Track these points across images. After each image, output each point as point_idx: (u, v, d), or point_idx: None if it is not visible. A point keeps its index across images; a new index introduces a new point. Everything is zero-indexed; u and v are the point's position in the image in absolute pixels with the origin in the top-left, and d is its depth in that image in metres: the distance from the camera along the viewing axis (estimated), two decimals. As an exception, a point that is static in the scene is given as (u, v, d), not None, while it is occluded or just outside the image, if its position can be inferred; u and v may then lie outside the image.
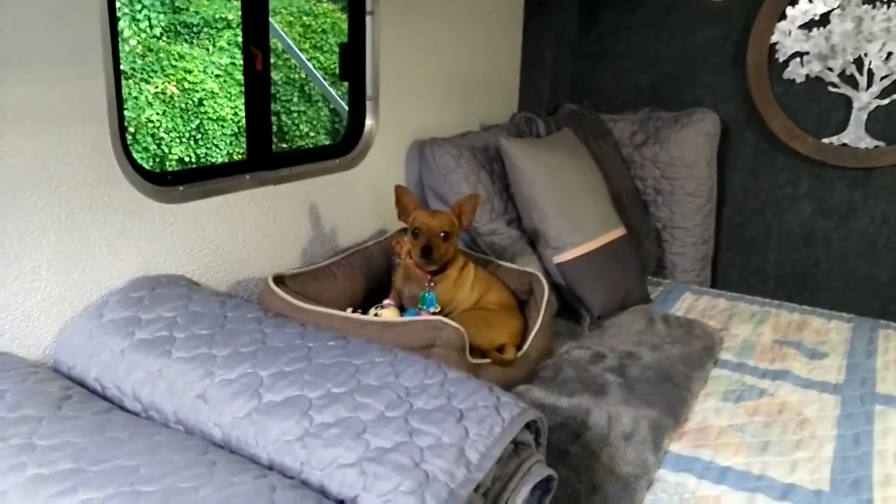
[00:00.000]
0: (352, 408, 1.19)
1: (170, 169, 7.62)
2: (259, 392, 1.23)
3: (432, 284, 1.86)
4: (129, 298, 1.49)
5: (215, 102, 10.01)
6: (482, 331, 1.86)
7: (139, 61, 9.26)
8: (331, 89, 6.77)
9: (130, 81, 9.12)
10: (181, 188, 1.67)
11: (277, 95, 9.80)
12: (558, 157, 2.39)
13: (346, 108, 2.25)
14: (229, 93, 10.27)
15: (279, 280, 1.78)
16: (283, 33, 6.67)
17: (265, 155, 1.90)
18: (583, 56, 3.14)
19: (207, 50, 10.31)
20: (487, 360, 1.76)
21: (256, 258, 1.89)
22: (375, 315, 1.84)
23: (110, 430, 1.14)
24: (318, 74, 7.14)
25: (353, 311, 1.84)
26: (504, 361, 1.78)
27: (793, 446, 1.68)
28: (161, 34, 9.81)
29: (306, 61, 6.58)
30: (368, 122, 2.19)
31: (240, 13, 1.73)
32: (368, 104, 2.18)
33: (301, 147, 8.09)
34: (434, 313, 1.85)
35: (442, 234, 1.82)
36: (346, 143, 2.18)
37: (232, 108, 10.10)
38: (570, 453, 1.57)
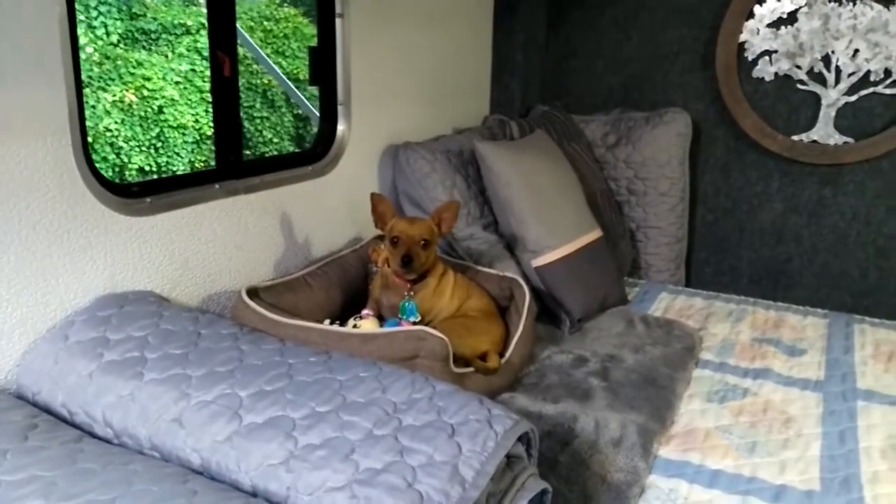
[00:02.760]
0: (338, 427, 1.13)
1: (130, 179, 7.45)
2: (239, 413, 1.18)
3: (412, 293, 1.82)
4: (95, 318, 1.41)
5: (175, 110, 9.82)
6: (464, 339, 1.81)
7: (96, 69, 9.05)
8: (300, 94, 6.64)
9: (87, 90, 8.90)
10: (148, 200, 1.60)
11: (240, 102, 9.61)
12: (533, 159, 2.36)
13: (317, 113, 2.19)
14: (189, 100, 10.10)
15: (253, 293, 1.72)
16: (249, 38, 6.54)
17: (235, 163, 1.83)
18: (553, 57, 3.13)
19: (166, 56, 10.11)
20: (471, 369, 1.72)
21: (228, 271, 1.82)
22: (354, 326, 1.79)
23: (81, 461, 1.07)
24: (289, 82, 7.02)
25: (331, 323, 1.79)
26: (488, 370, 1.74)
27: (780, 446, 1.67)
28: (118, 41, 9.60)
29: (274, 66, 6.46)
30: (340, 127, 2.14)
31: (199, 19, 1.67)
32: (340, 109, 2.13)
33: (265, 154, 7.97)
34: (415, 322, 1.80)
35: (422, 243, 1.77)
36: (317, 149, 2.12)
37: (193, 115, 9.93)
38: (559, 462, 1.54)
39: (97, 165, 1.50)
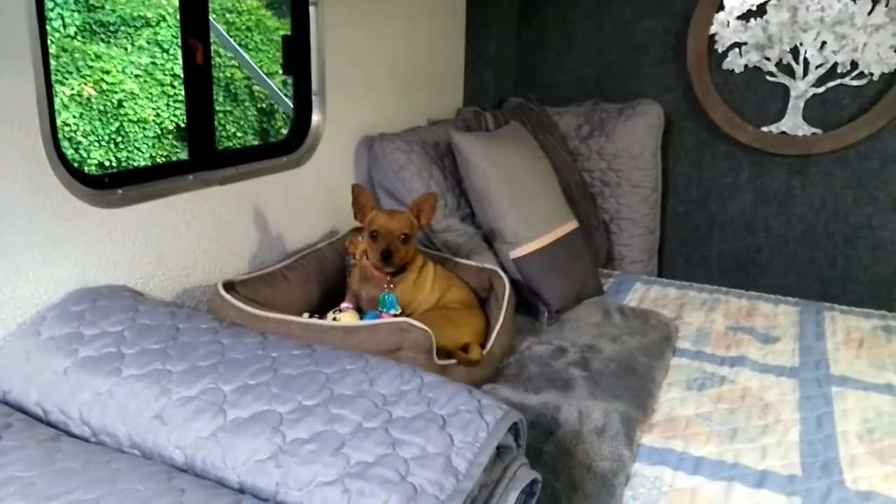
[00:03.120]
0: (327, 420, 1.11)
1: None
2: (223, 409, 1.14)
3: (391, 286, 1.79)
4: (68, 313, 1.36)
5: (136, 104, 9.61)
6: (445, 331, 1.80)
7: (53, 62, 8.81)
8: (272, 83, 6.45)
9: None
10: (120, 191, 1.55)
11: (170, 93, 9.46)
12: (509, 151, 2.35)
13: (290, 103, 2.15)
14: (150, 94, 9.89)
15: (229, 287, 1.68)
16: (218, 27, 6.36)
17: (209, 154, 1.79)
18: (526, 49, 3.12)
19: (126, 49, 9.89)
20: (453, 361, 1.71)
21: (203, 264, 1.78)
22: (334, 320, 1.76)
23: (61, 460, 1.03)
24: (260, 71, 6.79)
25: (310, 317, 1.76)
26: (470, 361, 1.73)
27: (760, 432, 1.68)
28: (76, 33, 9.37)
29: (245, 55, 6.25)
30: (315, 117, 2.10)
31: (159, 10, 1.62)
32: (315, 99, 2.09)
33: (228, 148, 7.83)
34: (395, 315, 1.78)
35: (402, 237, 1.75)
36: (292, 140, 2.08)
37: (154, 109, 9.73)
38: (544, 452, 1.53)
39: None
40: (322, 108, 2.11)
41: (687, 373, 1.97)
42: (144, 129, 9.23)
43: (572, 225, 2.43)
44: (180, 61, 1.71)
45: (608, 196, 2.89)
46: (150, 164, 7.77)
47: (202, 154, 1.77)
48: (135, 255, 1.59)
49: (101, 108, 9.24)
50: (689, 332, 2.24)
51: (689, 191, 3.01)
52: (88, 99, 9.11)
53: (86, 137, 8.78)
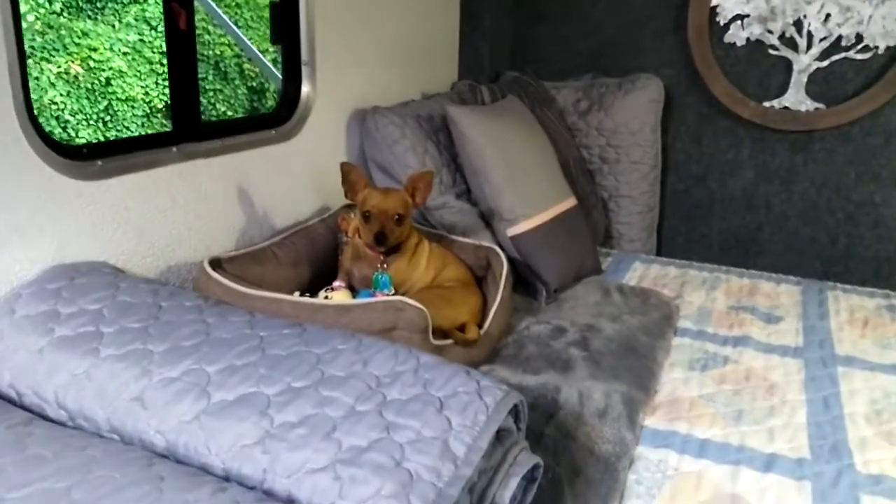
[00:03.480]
0: (317, 403, 1.05)
1: (78, 152, 7.11)
2: (207, 391, 1.08)
3: (385, 265, 1.73)
4: (44, 291, 1.29)
5: (124, 82, 9.45)
6: (442, 310, 1.73)
7: (39, 39, 8.64)
8: (261, 55, 6.24)
9: (30, 61, 8.49)
10: (99, 163, 1.47)
11: (158, 71, 9.31)
12: (506, 126, 2.28)
13: (279, 76, 2.07)
14: (139, 71, 9.72)
15: (216, 264, 1.61)
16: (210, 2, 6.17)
17: (193, 125, 1.71)
18: (522, 21, 3.03)
19: (113, 26, 9.71)
20: (449, 341, 1.64)
21: (188, 241, 1.71)
22: (326, 298, 1.69)
23: (32, 446, 0.96)
24: (251, 44, 6.54)
25: (301, 295, 1.70)
26: (467, 341, 1.67)
27: (766, 414, 1.63)
28: (62, 10, 9.17)
29: (232, 25, 6.05)
30: (305, 88, 2.02)
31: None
32: (304, 69, 2.01)
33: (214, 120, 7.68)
34: (389, 295, 1.71)
35: (395, 217, 1.69)
36: (281, 112, 2.00)
37: (142, 87, 9.57)
38: (545, 435, 1.48)
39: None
40: (312, 79, 2.02)
41: (689, 353, 1.91)
42: (133, 107, 9.08)
43: (571, 202, 2.36)
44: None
45: (607, 173, 2.83)
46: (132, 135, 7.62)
47: (186, 125, 1.69)
48: (116, 230, 1.52)
49: (89, 86, 9.08)
50: (691, 311, 2.19)
51: (689, 167, 2.95)
52: (76, 77, 8.94)
53: (73, 116, 8.62)
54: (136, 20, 9.20)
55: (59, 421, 1.13)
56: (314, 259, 1.89)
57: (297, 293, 1.70)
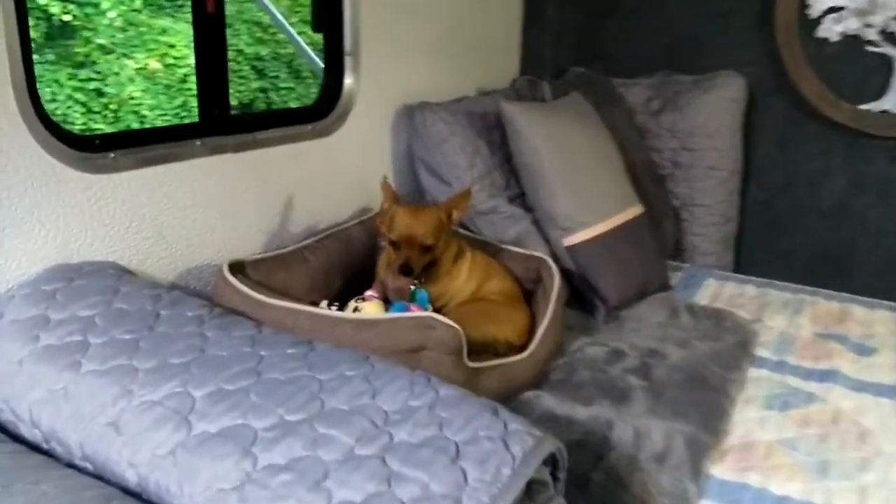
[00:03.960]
0: (311, 443, 0.89)
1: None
2: (188, 420, 0.93)
3: (421, 280, 1.57)
4: (39, 293, 1.18)
5: (200, 79, 9.61)
6: (482, 327, 1.57)
7: (119, 35, 8.87)
8: (305, 46, 6.04)
9: (111, 56, 8.72)
10: (112, 155, 1.36)
11: (265, 71, 9.44)
12: (567, 124, 2.08)
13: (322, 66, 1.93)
14: (214, 69, 9.85)
15: (237, 268, 1.48)
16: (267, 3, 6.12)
17: (221, 117, 1.58)
18: (591, 14, 2.81)
19: (191, 24, 9.88)
20: (488, 363, 1.47)
21: (211, 241, 1.58)
22: (355, 309, 1.54)
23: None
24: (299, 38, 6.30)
25: (329, 305, 1.55)
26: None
27: (857, 467, 1.39)
28: (142, 7, 9.39)
29: (274, 11, 5.85)
30: (347, 81, 1.88)
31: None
32: (347, 60, 1.86)
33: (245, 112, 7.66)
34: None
35: (423, 248, 1.55)
36: (321, 105, 1.86)
37: (218, 84, 9.70)
38: (591, 481, 1.28)
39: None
40: (356, 70, 1.88)
41: (767, 387, 1.68)
42: (210, 103, 9.11)
43: (636, 210, 2.14)
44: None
45: (679, 179, 2.58)
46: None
47: (214, 117, 1.57)
48: (129, 228, 1.40)
49: (166, 82, 9.29)
50: (770, 338, 1.94)
51: (772, 175, 2.67)
52: (154, 73, 9.16)
53: (151, 111, 8.79)
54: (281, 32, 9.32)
55: (34, 442, 1.01)
56: (348, 265, 1.74)
57: (324, 302, 1.56)
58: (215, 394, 0.97)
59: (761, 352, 1.85)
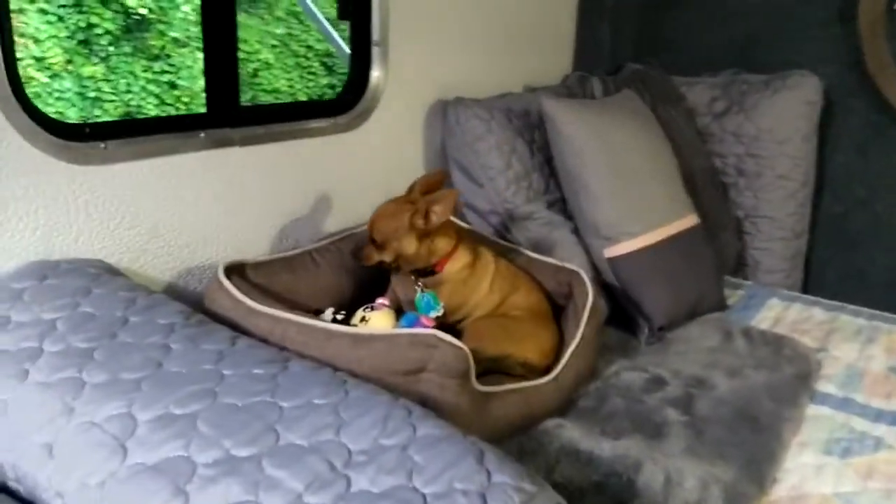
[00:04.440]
0: (252, 486, 0.76)
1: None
2: (125, 447, 0.82)
3: (420, 286, 1.43)
4: (7, 290, 1.09)
5: (270, 74, 9.74)
6: (501, 345, 1.42)
7: (193, 29, 9.05)
8: (334, 33, 5.76)
9: (185, 50, 8.89)
10: (103, 145, 1.26)
11: (335, 68, 9.47)
12: (616, 124, 1.90)
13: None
14: (285, 64, 9.98)
15: (238, 270, 1.37)
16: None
17: (229, 107, 1.48)
18: (651, 5, 2.61)
19: (263, 19, 10.04)
20: (504, 388, 1.31)
21: (215, 239, 1.48)
22: (363, 319, 1.41)
23: None
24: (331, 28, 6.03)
25: (335, 313, 1.43)
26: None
27: (932, 534, 1.18)
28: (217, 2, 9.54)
29: (310, 4, 5.66)
30: (375, 73, 1.75)
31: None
32: (375, 51, 1.73)
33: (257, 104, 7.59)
34: (437, 318, 1.41)
35: (373, 240, 1.44)
36: (345, 98, 1.74)
37: (287, 80, 9.82)
38: (607, 534, 1.11)
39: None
40: (384, 61, 1.75)
41: (828, 429, 1.46)
42: (277, 99, 9.29)
43: (691, 220, 1.94)
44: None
45: (744, 188, 2.36)
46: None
47: (221, 107, 1.46)
48: (119, 224, 1.31)
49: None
50: (836, 370, 1.71)
51: (850, 187, 2.41)
52: (226, 68, 9.32)
53: (221, 105, 8.84)
54: (286, 14, 9.44)
55: (-28, 460, 0.91)
56: (362, 270, 1.61)
57: (329, 310, 1.43)
58: (162, 418, 0.85)
59: (824, 386, 1.63)
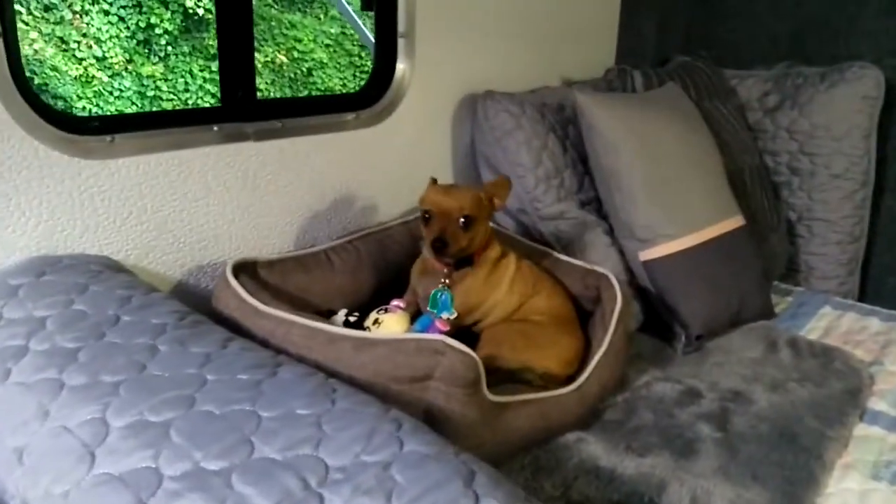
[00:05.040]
0: (217, 502, 0.70)
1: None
2: (94, 454, 0.77)
3: (447, 281, 1.35)
4: (3, 287, 1.07)
5: (324, 73, 9.84)
6: (520, 352, 1.34)
7: (250, 29, 9.22)
8: (362, 26, 5.54)
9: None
10: (109, 138, 1.23)
11: (357, 63, 9.49)
12: (656, 120, 1.80)
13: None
14: (339, 63, 10.07)
15: (248, 268, 1.33)
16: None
17: (246, 100, 1.43)
18: (702, -5, 2.49)
19: (319, 19, 10.15)
20: (520, 397, 1.24)
21: (228, 236, 1.44)
22: (375, 322, 1.35)
23: None
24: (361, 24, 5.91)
25: (348, 315, 1.37)
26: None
27: None
28: (274, 2, 9.72)
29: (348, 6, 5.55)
30: (400, 66, 1.69)
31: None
32: (401, 43, 1.67)
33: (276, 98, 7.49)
34: (449, 319, 1.34)
35: (461, 219, 1.30)
36: (369, 92, 1.68)
37: (340, 79, 9.89)
38: (621, 561, 1.03)
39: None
40: (410, 54, 1.69)
41: (877, 451, 1.34)
42: (331, 97, 9.31)
43: (736, 222, 1.83)
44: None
45: (797, 188, 2.22)
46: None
47: (236, 100, 1.42)
48: (126, 219, 1.28)
49: (292, 75, 9.55)
50: (891, 386, 1.58)
51: (914, 188, 2.25)
52: (281, 66, 9.44)
53: (276, 104, 8.96)
54: (340, 14, 9.50)
55: (-48, 460, 0.89)
56: (383, 269, 1.55)
57: (342, 312, 1.38)
58: (134, 425, 0.80)
59: (876, 403, 1.51)
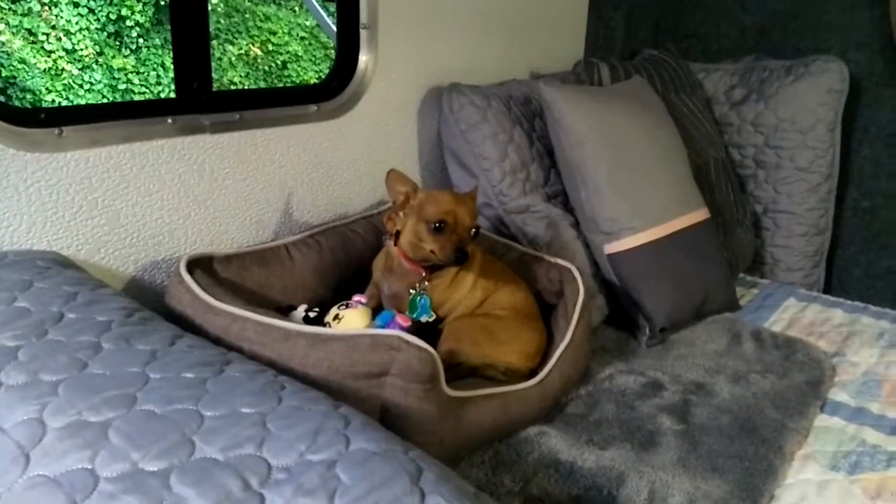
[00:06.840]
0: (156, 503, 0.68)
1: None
2: (28, 456, 0.75)
3: (426, 284, 1.34)
4: (-58, 284, 1.04)
5: (299, 66, 9.75)
6: (482, 347, 1.33)
7: (223, 21, 9.08)
8: (324, 14, 5.46)
9: (214, 42, 8.90)
10: (57, 131, 1.20)
11: (332, 56, 9.43)
12: (621, 112, 1.79)
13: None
14: (314, 56, 9.98)
15: (203, 263, 1.31)
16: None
17: (201, 92, 1.40)
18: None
19: (294, 11, 10.04)
20: (479, 392, 1.23)
21: (183, 231, 1.41)
22: (336, 317, 1.33)
23: None
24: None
25: (308, 311, 1.35)
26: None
27: (945, 564, 1.06)
28: (247, -6, 9.59)
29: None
30: (363, 57, 1.67)
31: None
32: (363, 34, 1.65)
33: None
34: (426, 322, 1.33)
35: (473, 231, 1.32)
36: (331, 84, 1.66)
37: (315, 71, 9.80)
38: (578, 556, 1.02)
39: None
40: (373, 45, 1.66)
41: (836, 442, 1.35)
42: (306, 91, 9.21)
43: (700, 215, 1.83)
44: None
45: (763, 181, 2.24)
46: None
47: (192, 92, 1.39)
48: (77, 213, 1.24)
49: (267, 68, 9.46)
50: (852, 376, 1.60)
51: (878, 181, 2.27)
52: (255, 59, 9.34)
53: (249, 96, 8.87)
54: (303, 4, 9.41)
55: None
56: (345, 264, 1.54)
57: (301, 307, 1.36)
58: (71, 426, 0.78)
59: (837, 394, 1.52)
